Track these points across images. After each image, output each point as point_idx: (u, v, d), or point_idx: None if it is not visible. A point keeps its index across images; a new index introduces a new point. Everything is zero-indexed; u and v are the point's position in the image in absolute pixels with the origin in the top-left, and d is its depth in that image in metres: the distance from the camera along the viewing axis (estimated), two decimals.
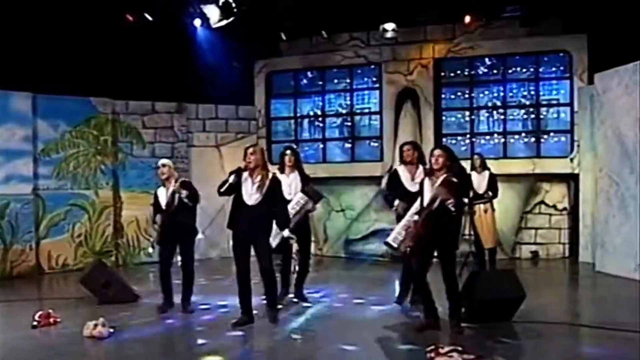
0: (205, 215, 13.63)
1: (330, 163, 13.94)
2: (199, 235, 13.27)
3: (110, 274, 9.17)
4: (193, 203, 8.40)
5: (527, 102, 12.78)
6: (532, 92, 12.75)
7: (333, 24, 13.14)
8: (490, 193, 10.66)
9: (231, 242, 7.83)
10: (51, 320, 7.74)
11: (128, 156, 12.92)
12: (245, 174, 7.61)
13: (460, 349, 6.12)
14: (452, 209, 6.92)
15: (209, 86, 13.51)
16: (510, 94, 12.93)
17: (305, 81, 14.30)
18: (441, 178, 7.08)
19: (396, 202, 8.45)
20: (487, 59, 12.99)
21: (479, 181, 10.73)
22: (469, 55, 13.00)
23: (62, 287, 10.82)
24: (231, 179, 7.55)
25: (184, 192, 8.20)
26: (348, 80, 13.92)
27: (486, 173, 10.73)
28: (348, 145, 13.96)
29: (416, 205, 8.07)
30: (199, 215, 13.47)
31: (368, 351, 6.54)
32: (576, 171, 12.33)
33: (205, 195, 13.49)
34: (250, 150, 7.64)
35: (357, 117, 13.90)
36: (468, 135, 13.13)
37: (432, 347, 6.22)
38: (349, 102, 13.93)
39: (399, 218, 8.33)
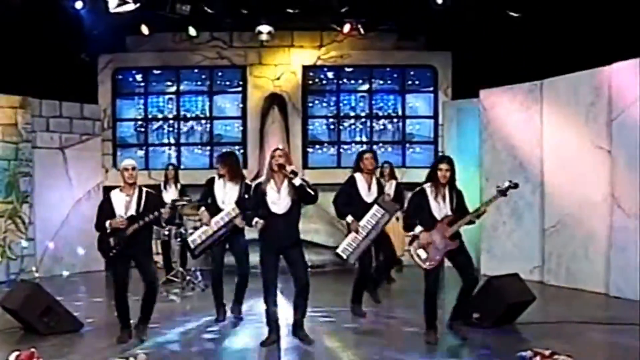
0: (49, 226, 11.94)
1: (187, 170, 12.97)
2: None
3: (49, 299, 7.58)
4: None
5: (393, 113, 13.20)
6: (399, 104, 13.20)
7: (193, 21, 12.29)
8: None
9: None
10: None
11: None
12: (270, 182, 6.90)
13: (556, 352, 6.20)
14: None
15: (54, 79, 11.84)
16: (373, 103, 13.24)
17: (158, 80, 13.17)
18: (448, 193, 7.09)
19: (349, 218, 8.01)
20: (356, 69, 13.15)
21: (387, 190, 10.79)
22: (337, 64, 13.07)
23: None
24: (258, 225, 6.83)
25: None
26: (208, 82, 13.14)
27: (393, 182, 10.85)
28: (206, 152, 13.15)
29: (367, 219, 7.93)
30: (42, 227, 11.85)
31: None
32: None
33: (49, 204, 11.90)
34: (279, 152, 6.93)
35: (216, 122, 13.18)
36: (335, 144, 13.20)
37: (531, 353, 6.20)
38: (208, 105, 13.14)
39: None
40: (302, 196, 6.78)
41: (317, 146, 13.28)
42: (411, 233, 7.01)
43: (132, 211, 6.92)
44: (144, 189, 7.13)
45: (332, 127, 13.24)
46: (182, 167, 12.75)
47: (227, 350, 7.02)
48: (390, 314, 8.49)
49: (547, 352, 6.15)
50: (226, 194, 7.90)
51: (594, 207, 9.85)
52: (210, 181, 8.07)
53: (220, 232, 7.84)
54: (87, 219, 12.29)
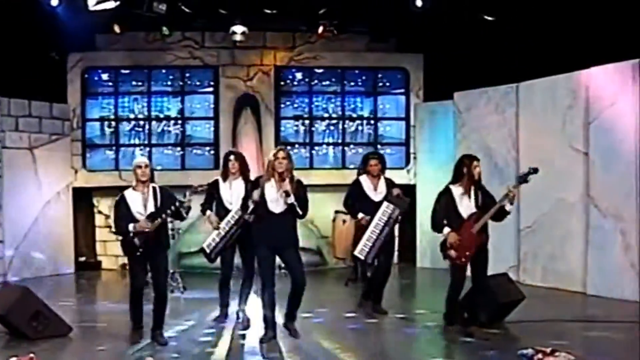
0: (18, 228, 11.65)
1: (159, 171, 12.71)
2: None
3: (38, 303, 7.40)
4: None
5: (368, 115, 13.26)
6: (371, 106, 13.27)
7: (166, 21, 12.13)
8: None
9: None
10: None
11: None
12: (270, 181, 6.91)
13: (557, 349, 6.32)
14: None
15: (23, 77, 11.55)
16: (345, 105, 13.28)
17: (128, 80, 12.91)
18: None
19: (360, 214, 8.30)
20: (328, 70, 13.17)
21: None
22: (310, 65, 13.07)
23: None
24: (255, 195, 6.84)
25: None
26: (180, 83, 12.96)
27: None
28: (177, 152, 12.98)
29: (379, 216, 8.06)
30: (10, 229, 11.53)
31: None
32: (412, 182, 13.09)
33: (17, 205, 11.60)
34: (282, 154, 6.91)
35: (188, 122, 13.02)
36: (307, 145, 13.21)
37: (532, 350, 6.30)
38: (180, 106, 12.98)
39: (361, 229, 8.23)
40: (291, 212, 6.88)
41: (289, 147, 13.20)
42: (440, 235, 7.14)
43: (150, 208, 6.85)
44: (155, 185, 7.05)
45: (304, 128, 13.22)
46: (159, 167, 12.51)
47: (229, 350, 6.98)
48: (390, 314, 8.53)
49: (548, 350, 6.27)
50: (232, 194, 7.82)
51: (570, 207, 10.08)
52: (215, 183, 7.97)
53: (232, 231, 7.76)
54: (57, 221, 12.24)
